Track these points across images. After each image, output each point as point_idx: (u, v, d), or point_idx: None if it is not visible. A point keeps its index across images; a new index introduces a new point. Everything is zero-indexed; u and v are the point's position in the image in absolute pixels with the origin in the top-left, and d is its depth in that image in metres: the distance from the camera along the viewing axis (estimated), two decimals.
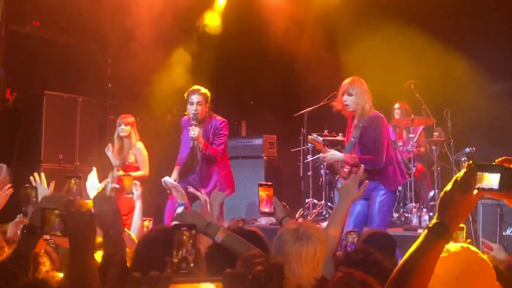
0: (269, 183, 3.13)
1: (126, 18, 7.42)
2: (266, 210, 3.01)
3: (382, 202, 4.67)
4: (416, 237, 1.54)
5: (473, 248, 1.81)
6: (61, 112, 7.09)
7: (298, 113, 7.47)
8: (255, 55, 9.17)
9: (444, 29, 7.53)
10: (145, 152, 6.51)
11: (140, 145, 6.52)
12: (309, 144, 7.48)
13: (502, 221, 5.01)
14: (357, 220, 4.71)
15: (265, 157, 7.56)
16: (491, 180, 1.46)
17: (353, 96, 4.75)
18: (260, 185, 3.07)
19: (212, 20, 8.53)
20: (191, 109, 5.52)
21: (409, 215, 6.63)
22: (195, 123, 5.42)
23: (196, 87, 5.59)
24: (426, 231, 1.50)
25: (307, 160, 7.57)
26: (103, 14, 7.25)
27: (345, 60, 7.90)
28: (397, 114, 7.76)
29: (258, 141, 7.70)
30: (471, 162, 1.49)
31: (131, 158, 6.42)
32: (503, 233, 5.01)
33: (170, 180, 4.90)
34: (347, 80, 4.84)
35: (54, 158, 6.93)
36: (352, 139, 4.80)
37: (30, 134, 6.99)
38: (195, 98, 5.50)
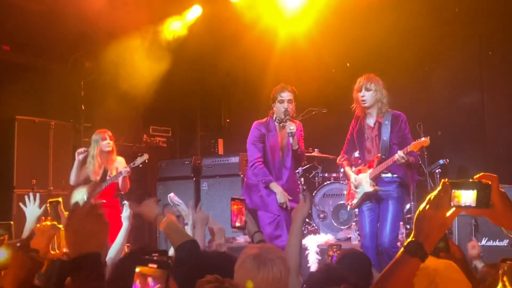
0: (242, 198, 3.14)
1: (98, 39, 7.41)
2: (238, 224, 3.03)
3: (400, 198, 4.80)
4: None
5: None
6: (33, 136, 7.01)
7: None
8: (230, 72, 9.21)
9: (417, 41, 7.64)
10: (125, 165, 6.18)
11: (122, 160, 6.26)
12: None
13: (477, 232, 5.06)
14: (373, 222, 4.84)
15: (242, 175, 7.53)
16: (468, 197, 1.45)
17: (371, 91, 4.74)
18: (233, 199, 3.09)
19: (179, 30, 8.57)
20: (280, 107, 5.14)
21: None
22: (289, 118, 5.06)
23: (284, 84, 5.24)
24: (402, 249, 1.51)
25: None
26: (74, 36, 7.21)
27: (319, 76, 7.99)
28: None
29: (235, 159, 7.67)
30: (446, 180, 1.49)
31: (114, 173, 6.09)
32: (479, 244, 5.05)
33: (177, 198, 4.63)
34: (362, 77, 4.81)
35: (27, 184, 6.83)
36: (385, 138, 4.73)
37: (2, 159, 6.88)
38: (286, 95, 5.14)
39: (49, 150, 7.11)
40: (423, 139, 4.55)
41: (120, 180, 5.98)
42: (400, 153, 4.50)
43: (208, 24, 8.53)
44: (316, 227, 7.00)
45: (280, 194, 5.05)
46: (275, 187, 5.09)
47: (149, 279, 1.39)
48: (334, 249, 3.49)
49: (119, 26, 7.62)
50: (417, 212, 1.52)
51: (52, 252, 2.25)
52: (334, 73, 8.05)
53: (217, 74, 9.24)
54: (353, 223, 6.59)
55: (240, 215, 3.00)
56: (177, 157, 9.44)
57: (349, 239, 6.63)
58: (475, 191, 1.45)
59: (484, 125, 7.45)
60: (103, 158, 6.12)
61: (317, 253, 5.72)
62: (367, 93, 4.74)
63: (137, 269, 1.42)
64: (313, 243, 5.83)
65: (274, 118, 5.26)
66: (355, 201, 4.95)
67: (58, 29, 6.96)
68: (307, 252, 5.73)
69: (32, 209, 3.55)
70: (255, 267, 1.97)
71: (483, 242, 5.00)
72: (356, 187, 4.92)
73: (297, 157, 5.21)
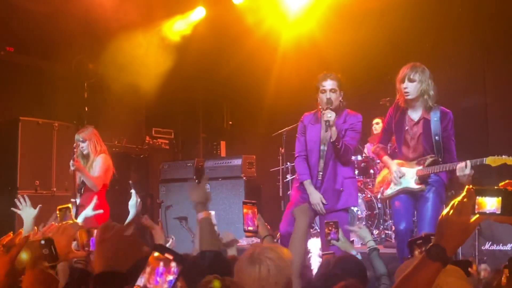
0: (253, 201, 3.11)
1: (102, 41, 7.42)
2: (250, 228, 3.01)
3: (439, 196, 4.36)
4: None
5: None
6: (37, 138, 7.00)
7: (276, 133, 7.51)
8: (232, 74, 9.23)
9: (420, 44, 7.65)
10: (106, 163, 5.79)
11: (102, 156, 5.79)
12: (288, 163, 7.51)
13: (480, 236, 5.06)
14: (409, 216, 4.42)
15: (244, 177, 7.55)
16: (492, 204, 1.44)
17: (415, 82, 4.29)
18: (244, 203, 3.06)
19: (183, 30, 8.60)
20: (322, 97, 4.61)
21: (390, 232, 6.65)
22: (331, 107, 4.50)
23: (327, 72, 4.72)
24: (424, 253, 1.51)
25: (287, 180, 7.58)
26: (78, 38, 7.23)
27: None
28: (375, 129, 7.86)
29: (237, 162, 7.68)
30: (470, 186, 1.48)
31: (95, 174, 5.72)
32: (482, 248, 5.05)
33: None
34: (406, 66, 4.38)
35: (31, 185, 6.82)
36: (437, 138, 4.31)
37: (6, 161, 6.88)
38: (328, 84, 4.62)
39: (52, 152, 7.11)
40: (504, 156, 3.98)
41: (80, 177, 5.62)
42: (468, 164, 4.02)
43: (211, 27, 8.56)
44: (318, 230, 6.99)
45: (311, 195, 4.63)
46: (307, 186, 4.66)
47: (161, 265, 1.43)
48: (331, 226, 3.48)
49: (123, 28, 7.64)
50: (440, 217, 1.52)
51: (74, 250, 2.21)
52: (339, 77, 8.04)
53: (220, 76, 9.26)
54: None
55: (253, 219, 3.00)
56: (179, 159, 9.45)
57: (352, 242, 6.62)
58: (499, 198, 1.44)
59: (488, 128, 7.45)
60: (85, 160, 5.79)
61: (320, 256, 5.71)
62: (411, 84, 4.30)
63: (155, 254, 1.45)
64: (315, 247, 5.81)
65: (320, 109, 4.72)
66: (389, 191, 4.53)
67: (62, 30, 6.98)
68: (309, 255, 5.71)
69: (27, 210, 3.55)
70: (245, 265, 2.04)
71: (487, 246, 5.00)
72: (397, 179, 4.46)
73: (336, 151, 4.56)
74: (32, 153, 6.92)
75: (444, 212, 1.51)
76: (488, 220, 1.49)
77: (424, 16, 7.43)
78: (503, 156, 4.00)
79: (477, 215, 1.47)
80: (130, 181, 5.97)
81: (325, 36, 7.86)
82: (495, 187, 1.47)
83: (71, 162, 5.50)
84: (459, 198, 1.49)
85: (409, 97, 4.33)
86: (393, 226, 6.50)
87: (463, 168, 4.02)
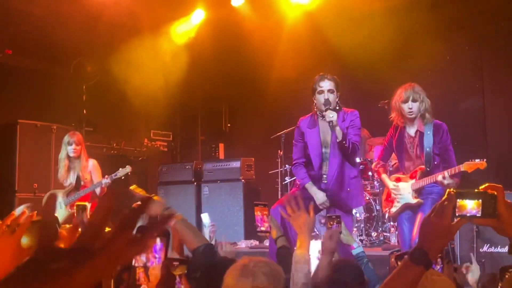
0: (264, 203, 3.16)
1: (100, 43, 7.43)
2: (263, 228, 3.05)
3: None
4: None
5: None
6: (35, 140, 7.01)
7: (275, 135, 7.51)
8: (231, 77, 9.24)
9: (418, 46, 7.66)
10: (99, 169, 6.06)
11: (94, 162, 6.06)
12: (286, 166, 7.51)
13: (478, 238, 5.05)
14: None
15: (243, 180, 7.55)
16: (473, 207, 1.46)
17: (418, 102, 4.55)
18: (256, 205, 3.13)
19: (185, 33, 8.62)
20: (320, 98, 4.56)
21: (388, 234, 6.65)
22: (330, 107, 4.46)
23: (323, 73, 4.66)
24: (407, 256, 1.51)
25: (285, 182, 7.58)
26: (76, 40, 7.23)
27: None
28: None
29: (236, 164, 7.68)
30: (451, 189, 1.50)
31: (87, 178, 5.95)
32: (480, 250, 5.05)
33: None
34: (407, 87, 4.60)
35: (29, 188, 6.83)
36: (428, 149, 4.53)
37: (4, 163, 6.88)
38: (325, 85, 4.56)
39: (51, 154, 7.11)
40: (478, 160, 4.25)
41: (98, 189, 5.82)
42: (446, 175, 4.31)
43: (210, 29, 8.57)
44: (317, 233, 7.00)
45: (315, 195, 4.58)
46: (310, 188, 4.60)
47: (158, 242, 1.43)
48: (333, 220, 3.43)
49: (121, 31, 7.66)
50: (423, 220, 1.53)
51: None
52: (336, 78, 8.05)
53: (218, 78, 9.27)
54: (354, 229, 6.60)
55: (264, 219, 3.04)
56: (178, 161, 9.45)
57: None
58: (480, 201, 1.46)
59: (486, 131, 7.46)
60: (72, 162, 5.93)
61: (319, 259, 5.71)
62: (415, 104, 4.55)
63: None
64: (314, 249, 5.81)
65: (316, 111, 4.72)
66: (394, 209, 4.71)
67: (60, 33, 6.99)
68: (308, 267, 5.69)
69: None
70: (236, 276, 2.01)
71: (485, 248, 4.99)
72: (397, 196, 4.69)
73: (345, 150, 4.50)
74: (30, 155, 6.93)
75: (426, 215, 1.52)
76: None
77: (421, 18, 7.44)
78: (476, 160, 4.25)
79: (459, 218, 1.49)
80: (130, 187, 6.07)
81: (324, 38, 7.87)
82: (476, 190, 1.49)
83: (108, 180, 5.70)
84: (440, 202, 1.51)
85: (413, 116, 4.58)
86: (391, 228, 6.54)
87: (442, 178, 4.31)
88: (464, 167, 4.27)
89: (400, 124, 4.71)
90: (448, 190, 1.50)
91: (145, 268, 2.07)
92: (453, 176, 4.33)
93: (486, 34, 7.57)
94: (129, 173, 5.75)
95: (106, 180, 5.72)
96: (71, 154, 5.87)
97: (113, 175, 5.73)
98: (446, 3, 7.48)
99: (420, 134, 4.62)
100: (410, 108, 4.55)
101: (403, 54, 7.55)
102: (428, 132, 4.57)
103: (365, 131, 7.43)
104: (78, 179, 5.92)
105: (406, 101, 4.57)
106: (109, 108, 8.06)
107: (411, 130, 4.70)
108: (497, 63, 7.55)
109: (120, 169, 5.74)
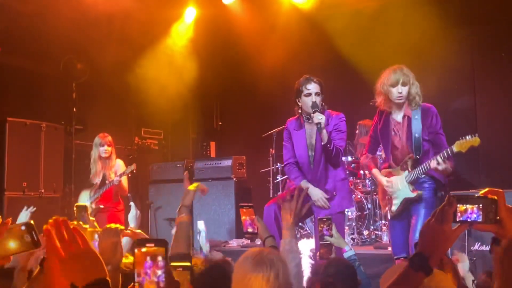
0: (250, 204, 3.11)
1: (90, 40, 7.36)
2: (250, 230, 3.01)
3: (432, 201, 4.26)
4: (388, 255, 1.54)
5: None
6: (24, 139, 6.94)
7: (266, 134, 7.50)
8: (222, 75, 9.21)
9: (409, 44, 7.67)
10: (123, 168, 6.41)
11: (121, 163, 6.50)
12: (278, 164, 7.49)
13: (470, 236, 5.06)
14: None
15: (234, 179, 7.52)
16: (474, 212, 1.45)
17: (407, 86, 4.21)
18: (241, 206, 3.07)
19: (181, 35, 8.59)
20: (307, 101, 4.51)
21: (380, 233, 6.66)
22: (318, 110, 4.43)
23: (308, 75, 4.61)
24: (407, 262, 1.50)
25: (277, 180, 7.57)
26: (66, 38, 7.16)
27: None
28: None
29: (227, 162, 7.65)
30: (451, 194, 1.49)
31: (112, 177, 6.30)
32: (471, 248, 5.05)
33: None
34: (395, 69, 4.27)
35: (18, 186, 6.77)
36: (417, 135, 4.21)
37: None
38: (312, 88, 4.53)
39: (40, 153, 7.05)
40: (468, 137, 3.94)
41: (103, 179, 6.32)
42: (439, 160, 4.00)
43: (201, 27, 8.53)
44: (309, 231, 6.99)
45: (311, 192, 4.55)
46: (305, 185, 4.52)
47: (148, 259, 1.40)
48: (324, 223, 3.44)
49: (111, 28, 7.59)
50: (423, 225, 1.51)
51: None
52: (328, 76, 8.04)
53: (210, 76, 9.22)
54: (346, 227, 6.59)
55: (251, 221, 2.99)
56: (168, 159, 9.40)
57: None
58: (481, 206, 1.45)
59: (477, 129, 7.48)
60: (103, 162, 6.36)
61: (310, 258, 5.70)
62: (404, 88, 4.21)
63: (136, 251, 1.41)
64: (306, 248, 5.80)
65: (301, 114, 4.69)
66: (394, 208, 4.39)
67: (50, 30, 6.91)
68: (300, 256, 5.69)
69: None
70: (253, 265, 1.98)
71: (476, 246, 5.00)
72: (393, 192, 4.39)
73: (328, 153, 4.49)
74: (19, 154, 6.86)
75: (427, 221, 1.51)
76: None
77: (412, 17, 7.44)
78: (467, 137, 3.93)
79: (460, 223, 1.47)
80: (129, 194, 6.26)
81: (316, 37, 7.86)
82: (476, 195, 1.48)
83: (118, 178, 6.15)
84: (440, 206, 1.49)
85: (401, 101, 4.27)
86: (383, 227, 6.55)
87: (436, 164, 4.01)
88: (456, 147, 3.96)
89: (386, 109, 4.38)
90: (448, 194, 1.49)
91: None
92: (447, 159, 4.02)
93: (476, 33, 7.59)
94: (134, 170, 6.17)
95: (117, 178, 6.12)
96: (103, 155, 6.32)
97: (121, 172, 6.17)
98: (437, 2, 7.48)
99: (408, 119, 4.29)
100: (400, 93, 4.22)
101: (395, 53, 7.55)
102: (416, 117, 4.24)
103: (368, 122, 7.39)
104: (103, 178, 6.32)
105: (395, 85, 4.23)
106: (99, 106, 7.99)
107: (398, 116, 4.36)
108: (488, 62, 7.58)
109: (128, 167, 6.20)
